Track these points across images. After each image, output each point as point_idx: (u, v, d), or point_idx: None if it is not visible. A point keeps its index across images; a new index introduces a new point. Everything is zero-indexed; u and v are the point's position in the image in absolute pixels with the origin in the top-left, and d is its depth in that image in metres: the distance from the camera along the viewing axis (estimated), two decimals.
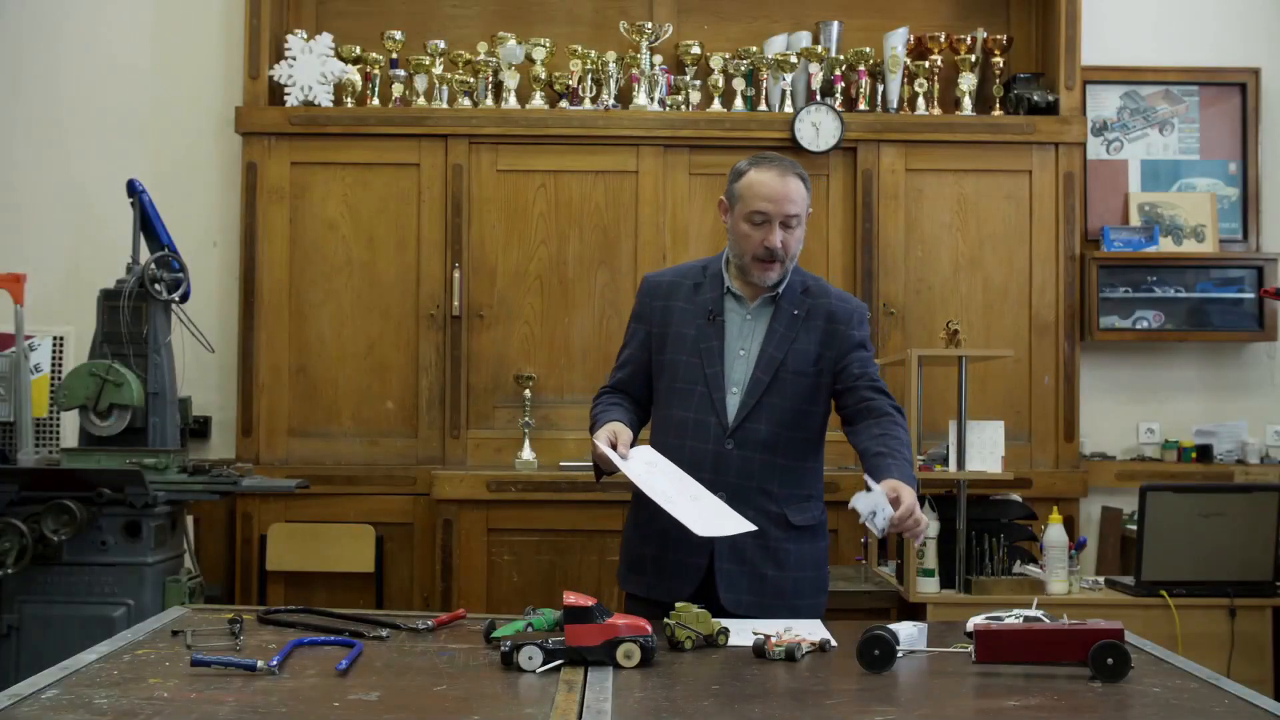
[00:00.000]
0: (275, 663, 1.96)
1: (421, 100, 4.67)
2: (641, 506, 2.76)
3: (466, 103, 4.65)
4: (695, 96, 4.71)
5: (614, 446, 2.55)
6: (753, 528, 2.50)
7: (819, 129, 4.57)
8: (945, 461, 3.66)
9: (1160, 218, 4.83)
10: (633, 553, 2.77)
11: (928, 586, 3.62)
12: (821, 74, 4.67)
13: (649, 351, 2.78)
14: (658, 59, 4.72)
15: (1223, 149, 4.91)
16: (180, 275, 3.94)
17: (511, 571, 4.23)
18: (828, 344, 2.71)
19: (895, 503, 2.36)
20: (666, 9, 4.84)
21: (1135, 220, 4.83)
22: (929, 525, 2.45)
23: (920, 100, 4.69)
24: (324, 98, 4.60)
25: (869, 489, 2.35)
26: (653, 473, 2.54)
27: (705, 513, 2.47)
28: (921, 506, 3.56)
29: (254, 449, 4.51)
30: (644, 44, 4.66)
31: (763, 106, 4.68)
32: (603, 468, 2.64)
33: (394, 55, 4.73)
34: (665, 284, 2.81)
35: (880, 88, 4.71)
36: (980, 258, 4.64)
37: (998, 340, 4.59)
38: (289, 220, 4.58)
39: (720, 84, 4.66)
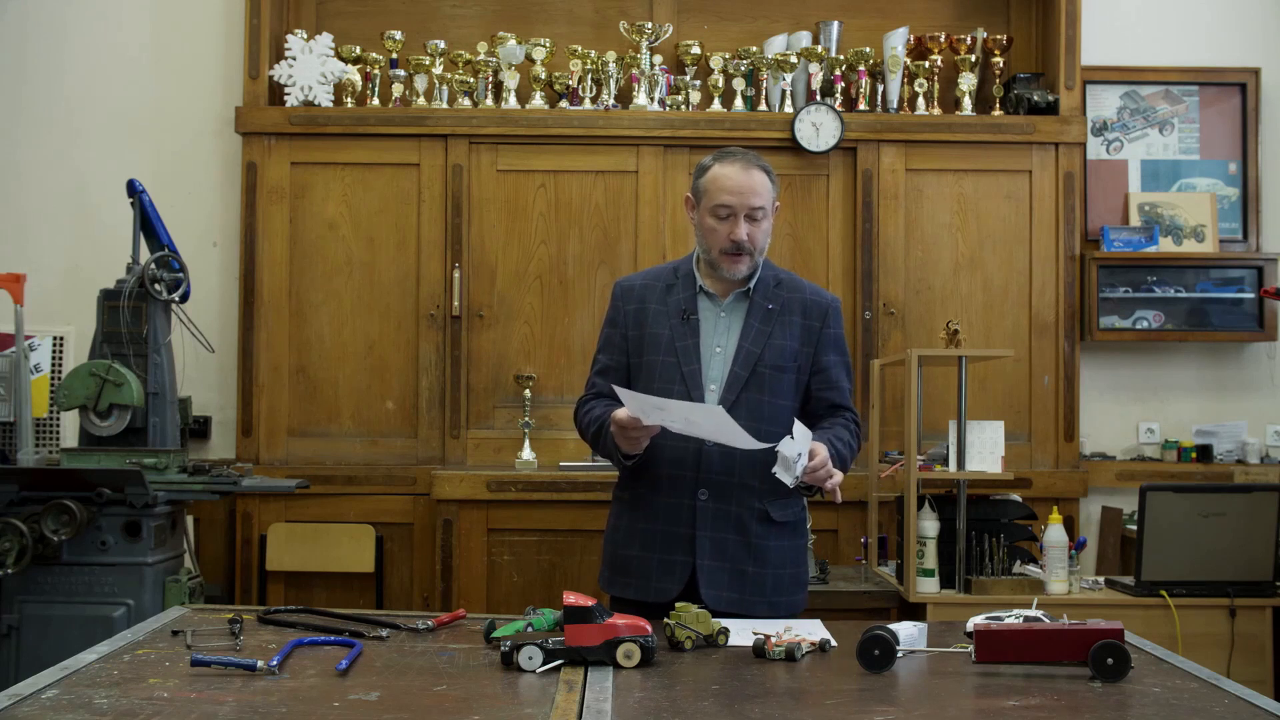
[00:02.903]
0: (275, 663, 1.96)
1: (421, 100, 4.67)
2: (622, 509, 2.78)
3: (466, 103, 4.65)
4: (695, 96, 4.71)
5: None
6: (759, 445, 2.48)
7: (819, 129, 4.57)
8: (945, 461, 3.65)
9: (1160, 218, 4.83)
10: (617, 555, 2.76)
11: (928, 586, 3.62)
12: (821, 74, 4.67)
13: (626, 355, 2.79)
14: (658, 59, 4.73)
15: (1223, 149, 4.91)
16: (180, 275, 3.94)
17: (511, 571, 4.23)
18: (805, 340, 2.73)
19: (811, 457, 2.47)
20: (666, 9, 4.84)
21: (1135, 220, 4.83)
22: (839, 479, 2.55)
23: (920, 100, 4.69)
24: (324, 98, 4.60)
25: (792, 438, 2.45)
26: (668, 417, 2.53)
27: (716, 426, 2.50)
28: (921, 507, 3.61)
29: (254, 449, 4.51)
30: (644, 44, 4.66)
31: (763, 106, 4.68)
32: (628, 451, 2.60)
33: (394, 55, 4.73)
34: (637, 287, 2.83)
35: (880, 88, 4.71)
36: (980, 258, 4.64)
37: (998, 340, 4.59)
38: (289, 220, 4.58)
39: (720, 84, 4.66)
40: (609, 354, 2.82)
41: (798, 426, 2.48)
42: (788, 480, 2.45)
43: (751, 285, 2.72)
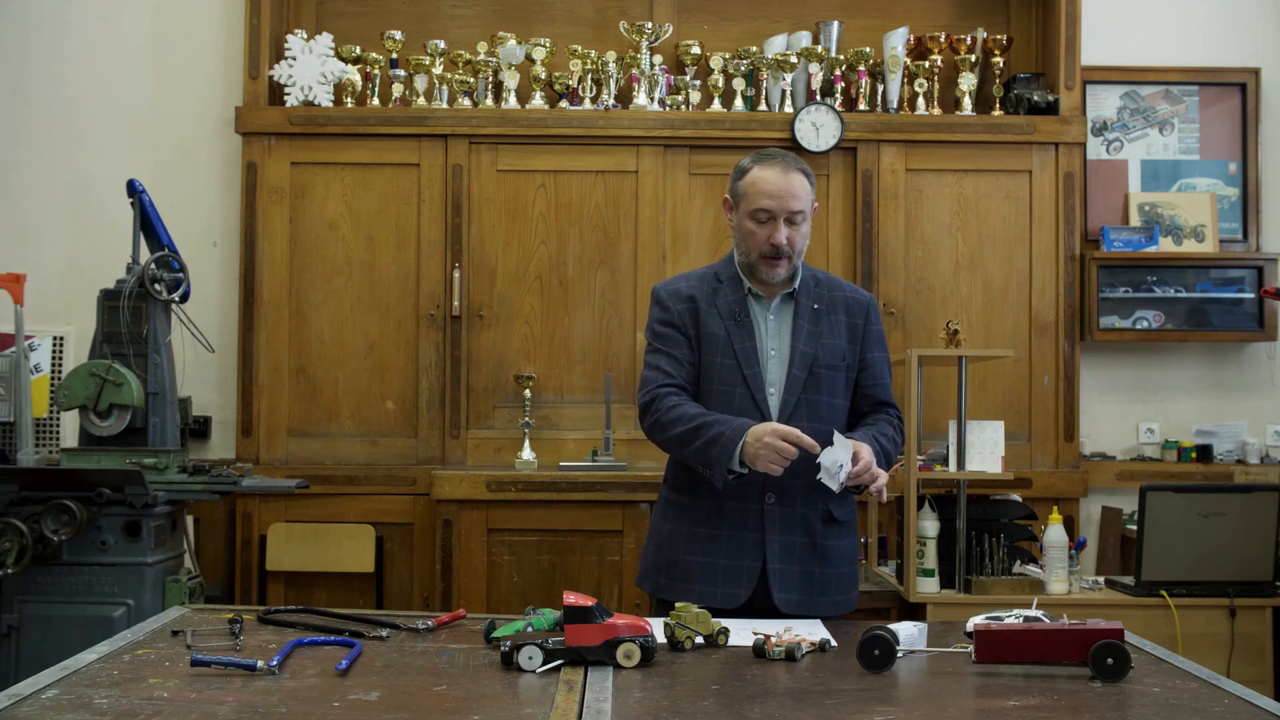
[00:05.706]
0: (275, 663, 1.96)
1: (421, 100, 4.67)
2: (680, 514, 2.73)
3: (466, 103, 4.65)
4: (695, 96, 4.71)
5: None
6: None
7: (819, 129, 4.57)
8: (945, 461, 3.65)
9: (1160, 218, 4.83)
10: (676, 559, 2.70)
11: (928, 586, 3.62)
12: (821, 74, 4.67)
13: (691, 351, 2.74)
14: (658, 59, 4.72)
15: (1223, 149, 4.91)
16: (180, 275, 3.94)
17: (511, 571, 4.23)
18: (851, 337, 2.76)
19: (855, 459, 2.49)
20: (666, 9, 4.84)
21: (1135, 220, 4.83)
22: (885, 479, 2.59)
23: (920, 100, 4.69)
24: (324, 98, 4.60)
25: (833, 444, 2.48)
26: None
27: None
28: (921, 507, 3.61)
29: (254, 449, 4.51)
30: (644, 44, 4.66)
31: (763, 106, 4.67)
32: (765, 470, 2.52)
33: (394, 55, 4.73)
34: (683, 289, 2.79)
35: (880, 88, 4.71)
36: (980, 258, 4.64)
37: (998, 340, 4.59)
38: (289, 220, 4.58)
39: (720, 84, 4.66)
40: (674, 347, 2.73)
41: (836, 436, 2.49)
42: (833, 486, 2.48)
43: (795, 286, 2.74)
